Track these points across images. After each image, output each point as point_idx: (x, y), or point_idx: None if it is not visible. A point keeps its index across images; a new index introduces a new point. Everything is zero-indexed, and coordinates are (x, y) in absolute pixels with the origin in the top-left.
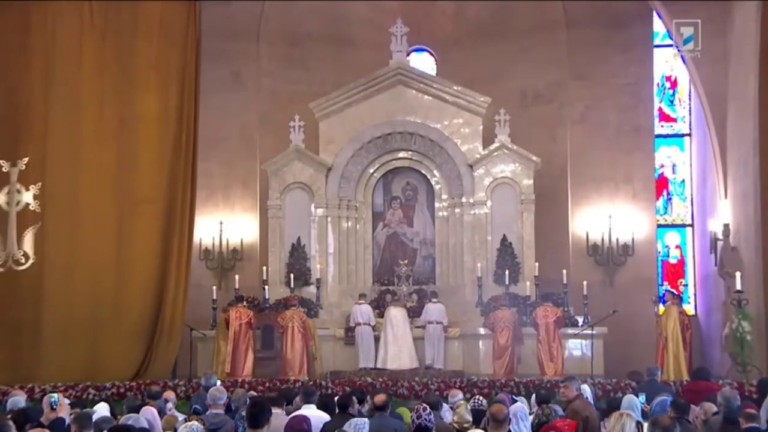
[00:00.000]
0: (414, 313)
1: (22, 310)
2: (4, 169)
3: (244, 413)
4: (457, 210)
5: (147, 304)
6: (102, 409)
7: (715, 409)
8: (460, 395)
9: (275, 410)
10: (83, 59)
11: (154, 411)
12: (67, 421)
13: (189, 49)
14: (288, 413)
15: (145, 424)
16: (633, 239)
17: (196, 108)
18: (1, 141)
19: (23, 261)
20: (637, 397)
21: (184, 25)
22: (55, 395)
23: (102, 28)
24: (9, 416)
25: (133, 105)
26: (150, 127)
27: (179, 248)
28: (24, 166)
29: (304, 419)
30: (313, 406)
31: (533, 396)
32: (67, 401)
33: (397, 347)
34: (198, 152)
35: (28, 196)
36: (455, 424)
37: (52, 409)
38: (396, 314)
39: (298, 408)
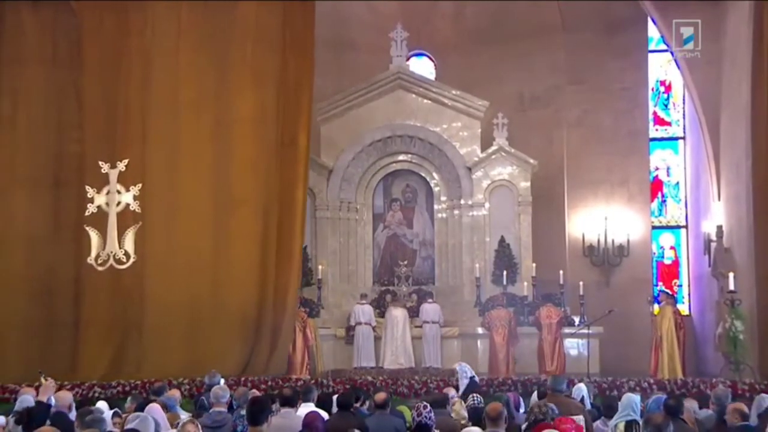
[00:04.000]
0: (413, 313)
1: (124, 308)
2: (103, 171)
3: (244, 411)
4: (456, 212)
5: (247, 304)
6: (102, 408)
7: (696, 406)
8: (453, 392)
9: (288, 408)
10: (179, 61)
11: (160, 408)
12: (53, 404)
13: (295, 52)
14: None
15: (152, 424)
16: (628, 240)
17: (309, 110)
18: (100, 143)
19: (124, 260)
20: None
21: (281, 27)
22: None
23: (198, 31)
24: (16, 416)
25: (228, 107)
26: (246, 128)
27: (290, 249)
28: (124, 168)
29: (319, 417)
30: (311, 404)
31: (534, 394)
32: (54, 382)
33: (395, 347)
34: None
35: (128, 197)
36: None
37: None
38: (397, 315)
39: (298, 406)
